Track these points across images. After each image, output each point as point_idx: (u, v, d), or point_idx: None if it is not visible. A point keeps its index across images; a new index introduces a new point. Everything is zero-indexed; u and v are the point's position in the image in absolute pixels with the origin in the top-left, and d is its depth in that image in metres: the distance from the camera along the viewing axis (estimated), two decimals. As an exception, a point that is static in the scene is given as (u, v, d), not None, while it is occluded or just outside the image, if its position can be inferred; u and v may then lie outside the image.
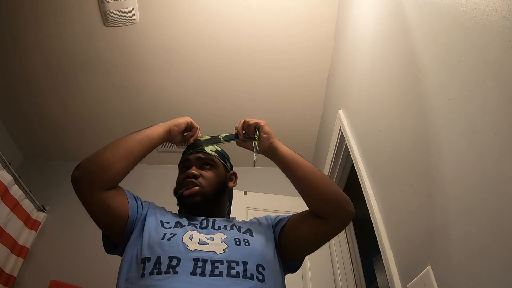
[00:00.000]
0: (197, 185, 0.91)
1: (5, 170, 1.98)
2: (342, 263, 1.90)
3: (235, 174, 1.06)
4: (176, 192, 0.95)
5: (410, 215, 0.96)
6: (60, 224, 2.28)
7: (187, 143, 0.99)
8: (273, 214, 0.98)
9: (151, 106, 2.35)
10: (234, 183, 1.04)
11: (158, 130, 0.91)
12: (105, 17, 1.94)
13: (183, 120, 0.95)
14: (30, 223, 2.13)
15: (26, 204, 2.12)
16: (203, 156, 0.98)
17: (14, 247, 1.94)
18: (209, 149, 1.00)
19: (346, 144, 1.65)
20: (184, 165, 0.99)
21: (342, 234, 2.03)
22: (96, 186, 0.79)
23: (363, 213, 1.29)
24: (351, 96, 1.62)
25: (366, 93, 1.38)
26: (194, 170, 0.93)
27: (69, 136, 2.60)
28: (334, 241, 1.99)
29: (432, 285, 0.78)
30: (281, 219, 0.93)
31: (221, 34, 2.01)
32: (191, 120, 0.97)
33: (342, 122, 1.67)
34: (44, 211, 2.32)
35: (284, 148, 0.93)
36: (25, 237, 2.05)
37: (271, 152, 0.94)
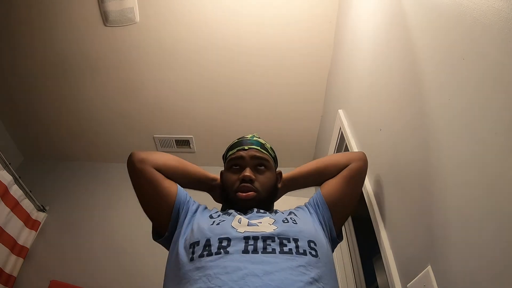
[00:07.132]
0: (253, 190, 0.90)
1: (5, 170, 1.98)
2: (342, 263, 1.90)
3: (280, 174, 1.03)
4: (226, 191, 0.94)
5: (410, 215, 0.96)
6: (60, 224, 2.28)
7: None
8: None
9: (151, 106, 2.34)
10: (279, 183, 1.02)
11: (208, 174, 1.01)
12: (105, 17, 1.94)
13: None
14: (30, 223, 2.13)
15: (26, 204, 2.12)
16: (258, 155, 0.94)
17: (14, 247, 1.94)
18: (262, 142, 0.99)
19: (346, 144, 1.65)
20: (235, 163, 0.95)
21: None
22: (148, 162, 0.87)
23: (363, 213, 1.29)
24: (351, 96, 1.62)
25: (366, 93, 1.38)
26: (250, 174, 0.90)
27: (69, 136, 2.59)
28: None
29: (432, 285, 0.78)
30: (316, 194, 0.98)
31: (221, 34, 2.01)
32: None
33: (342, 122, 1.67)
34: (44, 211, 2.31)
35: (297, 174, 1.03)
36: (25, 237, 2.05)
37: (291, 187, 1.05)
